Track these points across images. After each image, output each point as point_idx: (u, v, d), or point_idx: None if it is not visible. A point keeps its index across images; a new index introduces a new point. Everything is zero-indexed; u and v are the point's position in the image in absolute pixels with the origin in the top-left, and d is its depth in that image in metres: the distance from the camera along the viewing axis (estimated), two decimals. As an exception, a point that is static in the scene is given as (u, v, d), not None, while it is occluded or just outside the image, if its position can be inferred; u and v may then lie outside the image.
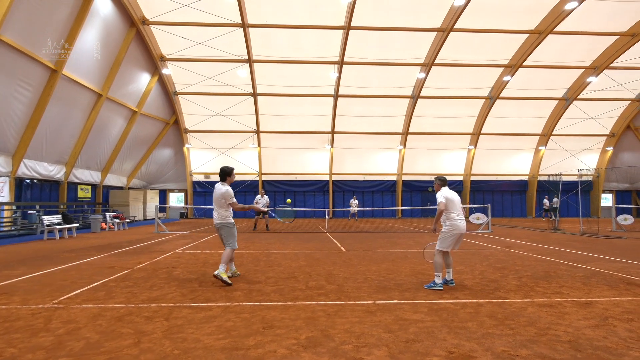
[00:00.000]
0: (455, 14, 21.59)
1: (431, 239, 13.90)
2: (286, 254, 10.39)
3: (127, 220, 21.38)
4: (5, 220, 17.65)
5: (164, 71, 25.42)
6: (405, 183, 32.88)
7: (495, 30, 23.18)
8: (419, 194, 33.36)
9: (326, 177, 32.42)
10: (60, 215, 16.24)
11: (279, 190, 32.29)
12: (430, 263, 7.74)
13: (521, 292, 6.03)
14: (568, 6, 20.88)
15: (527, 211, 33.79)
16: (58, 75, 17.09)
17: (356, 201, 28.08)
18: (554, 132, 31.10)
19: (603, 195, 33.99)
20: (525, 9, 21.94)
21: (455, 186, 31.66)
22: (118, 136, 24.98)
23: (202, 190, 31.73)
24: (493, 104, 28.80)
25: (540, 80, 27.28)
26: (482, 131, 30.77)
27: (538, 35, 23.52)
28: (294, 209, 8.69)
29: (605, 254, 10.19)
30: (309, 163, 32.31)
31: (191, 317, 4.72)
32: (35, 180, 19.82)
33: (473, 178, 32.87)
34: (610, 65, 25.69)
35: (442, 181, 6.78)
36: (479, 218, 18.98)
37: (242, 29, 22.52)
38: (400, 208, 31.35)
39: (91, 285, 6.44)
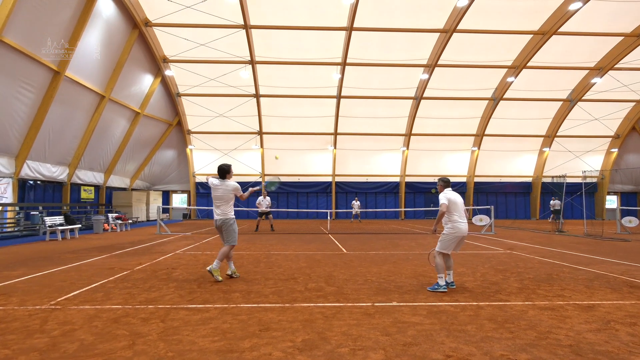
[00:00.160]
0: (459, 14, 21.52)
1: (435, 242, 13.82)
2: (287, 255, 10.35)
3: (130, 221, 21.41)
4: (8, 221, 17.71)
5: (167, 73, 25.48)
6: (408, 184, 32.78)
7: (499, 31, 23.08)
8: (422, 196, 33.23)
9: (329, 179, 32.38)
10: (62, 216, 16.27)
11: (282, 191, 32.26)
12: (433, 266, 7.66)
13: (522, 294, 5.95)
14: (572, 7, 20.77)
15: (531, 213, 33.58)
16: (61, 77, 17.16)
17: (358, 203, 28.01)
18: (558, 134, 30.92)
19: (608, 197, 33.76)
20: (528, 10, 21.82)
21: (459, 188, 31.52)
22: (121, 137, 25.04)
23: (205, 192, 31.75)
24: (497, 105, 28.67)
25: (544, 81, 27.13)
26: (486, 132, 30.64)
27: (542, 36, 23.39)
28: (279, 180, 8.70)
29: (609, 257, 10.08)
30: (312, 164, 32.28)
31: (188, 319, 4.68)
32: (38, 182, 19.89)
33: (476, 179, 32.72)
34: (615, 66, 25.51)
35: (445, 182, 6.69)
36: (482, 219, 18.86)
37: (244, 30, 22.55)
38: (403, 209, 31.24)
39: (90, 287, 6.42)
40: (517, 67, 25.75)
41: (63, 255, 10.34)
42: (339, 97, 27.81)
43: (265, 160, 31.55)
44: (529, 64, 25.34)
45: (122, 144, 25.37)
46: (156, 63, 24.73)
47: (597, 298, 5.75)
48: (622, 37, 23.90)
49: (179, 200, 34.29)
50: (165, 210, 31.63)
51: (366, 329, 4.32)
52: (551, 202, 28.73)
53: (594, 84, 27.02)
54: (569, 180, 22.50)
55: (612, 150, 32.13)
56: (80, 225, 16.89)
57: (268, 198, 18.40)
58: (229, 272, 7.21)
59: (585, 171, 21.19)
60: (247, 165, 31.24)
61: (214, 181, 7.23)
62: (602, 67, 25.90)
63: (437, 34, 23.51)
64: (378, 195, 33.23)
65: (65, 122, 19.43)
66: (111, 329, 4.29)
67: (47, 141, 18.70)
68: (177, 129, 30.51)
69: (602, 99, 28.24)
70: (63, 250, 11.50)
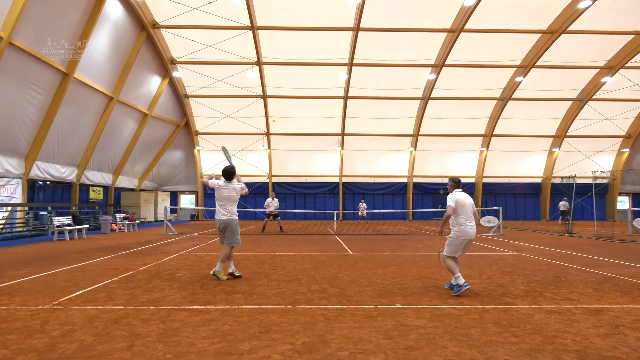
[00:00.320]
0: (466, 14, 21.35)
1: (442, 243, 13.73)
2: (292, 256, 10.31)
3: (137, 221, 21.54)
4: (18, 221, 17.91)
5: (175, 74, 25.63)
6: (416, 185, 32.60)
7: (507, 30, 22.86)
8: (430, 196, 33.03)
9: (336, 179, 32.31)
10: (70, 217, 16.41)
11: (289, 192, 32.27)
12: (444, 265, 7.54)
13: (529, 297, 5.84)
14: (581, 5, 20.51)
15: (541, 214, 33.20)
16: (69, 79, 17.33)
17: (364, 205, 27.94)
18: (568, 134, 30.55)
19: (619, 198, 33.26)
20: (537, 8, 21.59)
21: (467, 188, 31.24)
22: (129, 138, 25.22)
23: (212, 192, 31.76)
24: (505, 105, 28.40)
25: (554, 80, 26.82)
26: (494, 133, 30.38)
27: (551, 34, 23.13)
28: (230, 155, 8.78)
29: (620, 259, 9.89)
30: (319, 165, 32.25)
31: (188, 320, 4.65)
32: (47, 182, 20.09)
33: (485, 180, 32.44)
34: (626, 64, 25.15)
35: (455, 183, 6.47)
36: (490, 221, 18.67)
37: (251, 32, 22.59)
38: (410, 210, 31.06)
39: (93, 287, 6.43)
40: (525, 67, 25.49)
41: (69, 255, 10.41)
42: (346, 97, 27.74)
43: (273, 161, 31.59)
44: (537, 64, 25.06)
45: (131, 145, 25.55)
46: (164, 64, 24.89)
47: (606, 301, 5.61)
48: (633, 36, 23.54)
49: (187, 201, 34.47)
50: (173, 211, 31.80)
51: (367, 332, 4.25)
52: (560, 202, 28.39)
53: (605, 83, 26.65)
54: (579, 181, 22.15)
55: (624, 150, 31.66)
56: (87, 226, 17.03)
57: (276, 199, 18.45)
58: (230, 271, 7.22)
59: (595, 172, 20.85)
60: (255, 166, 31.31)
61: (219, 182, 7.30)
62: (613, 66, 25.53)
63: (445, 34, 23.36)
64: (385, 196, 33.08)
65: (74, 124, 19.61)
66: (111, 330, 4.28)
67: (56, 142, 18.89)
68: (184, 130, 30.67)
69: (612, 98, 27.85)
70: (70, 250, 11.57)
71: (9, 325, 4.45)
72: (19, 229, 17.28)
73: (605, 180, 31.89)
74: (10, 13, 13.72)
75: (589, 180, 26.63)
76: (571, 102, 28.89)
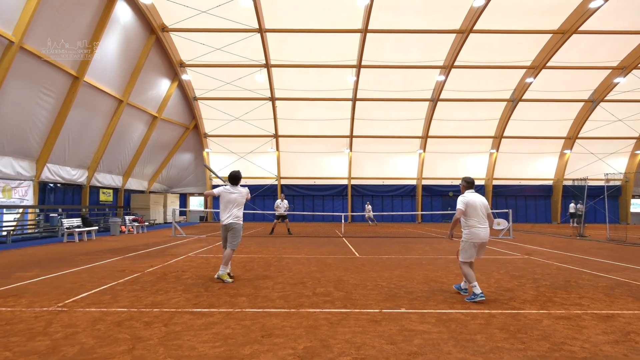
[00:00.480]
0: (475, 14, 21.18)
1: (451, 246, 13.59)
2: (298, 258, 10.26)
3: (146, 223, 21.67)
4: (29, 223, 18.14)
5: (184, 77, 25.79)
6: (425, 187, 32.36)
7: (517, 31, 22.61)
8: (439, 199, 32.76)
9: (345, 182, 32.21)
10: (80, 219, 16.56)
11: (298, 194, 32.25)
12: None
13: (537, 302, 5.72)
14: (593, 4, 20.20)
15: (552, 217, 32.72)
16: (80, 82, 17.53)
17: (369, 207, 27.81)
18: (579, 135, 30.09)
19: (632, 201, 32.64)
20: (548, 8, 21.32)
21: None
22: (139, 141, 25.43)
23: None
24: (515, 106, 28.09)
25: (565, 81, 26.44)
26: (505, 134, 30.04)
27: (562, 35, 22.82)
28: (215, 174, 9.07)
29: (633, 263, 9.67)
30: (328, 167, 32.18)
31: (191, 323, 4.64)
32: (58, 184, 20.32)
33: (495, 182, 32.07)
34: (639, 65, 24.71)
35: (468, 183, 6.29)
36: (499, 223, 18.41)
37: (259, 34, 22.66)
38: (420, 213, 30.82)
39: (99, 289, 6.45)
40: (536, 68, 25.18)
41: (77, 257, 10.49)
42: (354, 99, 27.68)
43: (282, 163, 31.61)
44: (548, 64, 24.74)
45: (140, 148, 25.76)
46: (173, 67, 25.07)
47: (617, 307, 5.47)
48: (647, 35, 23.14)
49: (196, 203, 34.63)
50: (182, 213, 31.97)
51: (371, 337, 4.19)
52: (577, 205, 27.96)
53: (617, 83, 26.21)
54: (591, 183, 21.79)
55: (637, 152, 31.08)
56: (96, 227, 17.17)
57: (286, 201, 18.42)
58: (227, 270, 7.26)
59: (608, 174, 20.47)
60: (263, 169, 31.36)
61: (224, 187, 7.54)
62: (626, 67, 25.11)
63: (454, 35, 23.18)
64: (394, 198, 32.87)
65: (85, 126, 19.83)
66: (113, 333, 4.27)
67: (66, 145, 19.11)
68: (194, 133, 30.84)
69: (625, 99, 27.35)
70: (78, 252, 11.67)
71: (12, 327, 4.47)
72: (30, 231, 17.50)
73: (618, 183, 31.33)
74: (21, 18, 13.93)
75: (602, 183, 26.19)
76: (583, 103, 28.47)
